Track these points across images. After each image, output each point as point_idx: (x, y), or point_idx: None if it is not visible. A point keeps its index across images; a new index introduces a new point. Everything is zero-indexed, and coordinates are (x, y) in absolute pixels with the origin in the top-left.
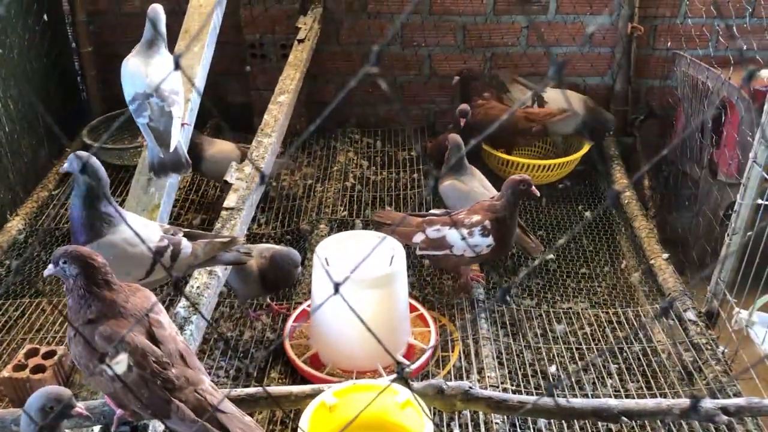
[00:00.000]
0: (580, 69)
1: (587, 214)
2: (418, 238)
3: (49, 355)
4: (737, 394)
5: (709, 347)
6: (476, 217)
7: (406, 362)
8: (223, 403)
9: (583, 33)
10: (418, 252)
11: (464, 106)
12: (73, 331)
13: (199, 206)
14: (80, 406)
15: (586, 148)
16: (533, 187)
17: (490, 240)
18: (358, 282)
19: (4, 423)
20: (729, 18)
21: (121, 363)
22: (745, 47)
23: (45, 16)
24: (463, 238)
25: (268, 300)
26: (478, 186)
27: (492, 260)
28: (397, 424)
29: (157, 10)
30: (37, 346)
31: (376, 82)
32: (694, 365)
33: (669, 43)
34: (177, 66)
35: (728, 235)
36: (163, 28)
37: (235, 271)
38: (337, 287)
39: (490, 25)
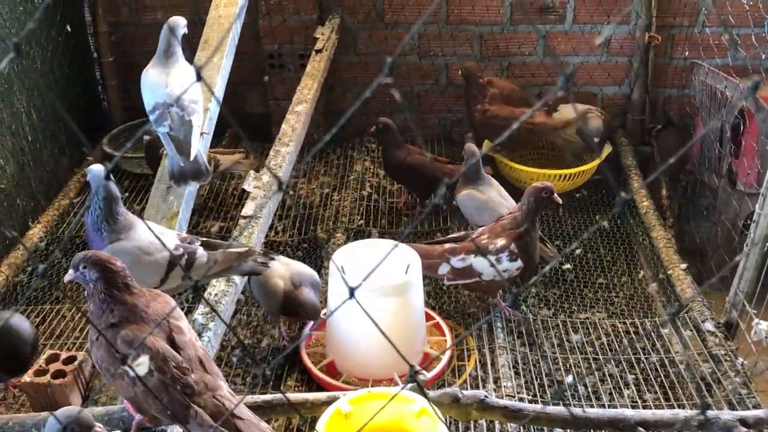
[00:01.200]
0: (597, 78)
1: (604, 223)
2: (444, 269)
3: (69, 360)
4: (756, 406)
5: (728, 358)
6: (501, 242)
7: (422, 370)
8: (241, 409)
9: (600, 43)
10: (447, 283)
11: (382, 119)
12: (95, 334)
13: (218, 214)
14: (99, 426)
15: (603, 156)
16: (555, 195)
17: (518, 263)
18: (373, 290)
19: (25, 427)
20: (747, 26)
21: (142, 365)
22: (764, 56)
23: (68, 27)
24: (492, 266)
25: None
26: (496, 195)
27: (524, 276)
28: None
29: (178, 22)
30: (58, 351)
31: (390, 92)
32: (712, 376)
33: (687, 53)
34: (199, 77)
35: (747, 245)
36: (178, 39)
37: (259, 283)
38: (352, 292)
39: (507, 35)
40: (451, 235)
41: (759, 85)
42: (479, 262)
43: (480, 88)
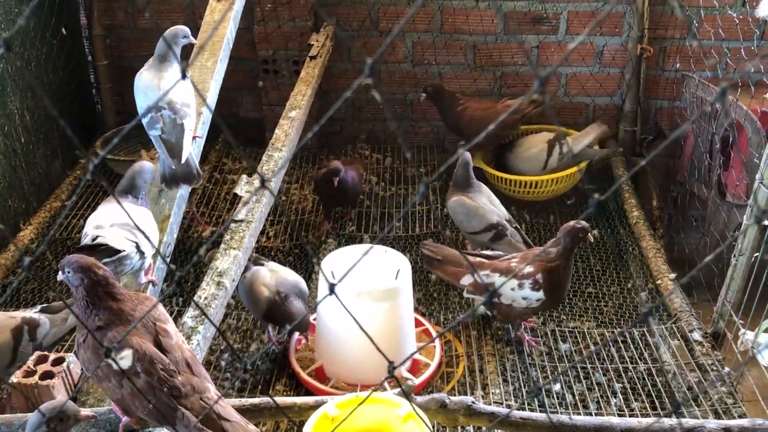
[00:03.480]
0: (589, 89)
1: (594, 231)
2: (467, 280)
3: (57, 362)
4: (742, 416)
5: (715, 368)
6: (528, 269)
7: (410, 376)
8: (229, 412)
9: (593, 54)
10: (465, 294)
11: (336, 164)
12: (82, 337)
13: (209, 218)
14: (85, 411)
15: (582, 166)
16: (590, 234)
17: (540, 294)
18: (362, 295)
19: (12, 428)
20: (737, 40)
21: (125, 358)
22: (752, 69)
23: (63, 30)
24: (513, 290)
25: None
26: (486, 202)
27: (545, 311)
28: None
29: (177, 32)
30: (47, 353)
31: (372, 94)
32: (699, 386)
33: (678, 65)
34: (184, 75)
35: (735, 256)
36: (178, 47)
37: (245, 288)
38: (332, 289)
39: (501, 45)
40: (484, 252)
41: (727, 91)
42: (501, 283)
43: (451, 96)
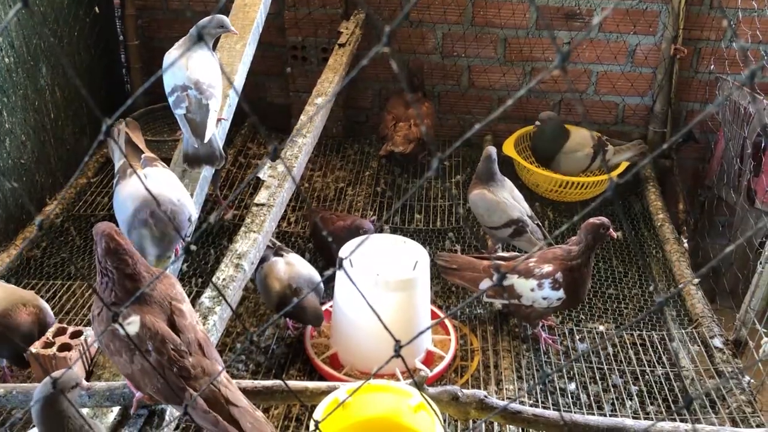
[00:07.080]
0: (620, 88)
1: (618, 233)
2: (485, 284)
3: (76, 335)
4: (760, 426)
5: (735, 376)
6: (548, 268)
7: (423, 367)
8: (237, 397)
9: (625, 52)
10: (485, 299)
11: (367, 224)
12: (97, 310)
13: (232, 202)
14: (86, 383)
15: (621, 168)
16: (611, 230)
17: (560, 293)
18: (379, 284)
19: (29, 396)
20: None
21: (133, 324)
22: None
23: (96, 9)
24: (533, 290)
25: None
26: (508, 197)
27: (565, 310)
28: (409, 427)
29: (212, 22)
30: (65, 325)
31: (389, 63)
32: (717, 393)
33: (712, 67)
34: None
35: (761, 263)
36: (210, 38)
37: (260, 279)
38: (341, 263)
39: (532, 40)
40: (500, 254)
41: (756, 74)
42: (521, 284)
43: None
